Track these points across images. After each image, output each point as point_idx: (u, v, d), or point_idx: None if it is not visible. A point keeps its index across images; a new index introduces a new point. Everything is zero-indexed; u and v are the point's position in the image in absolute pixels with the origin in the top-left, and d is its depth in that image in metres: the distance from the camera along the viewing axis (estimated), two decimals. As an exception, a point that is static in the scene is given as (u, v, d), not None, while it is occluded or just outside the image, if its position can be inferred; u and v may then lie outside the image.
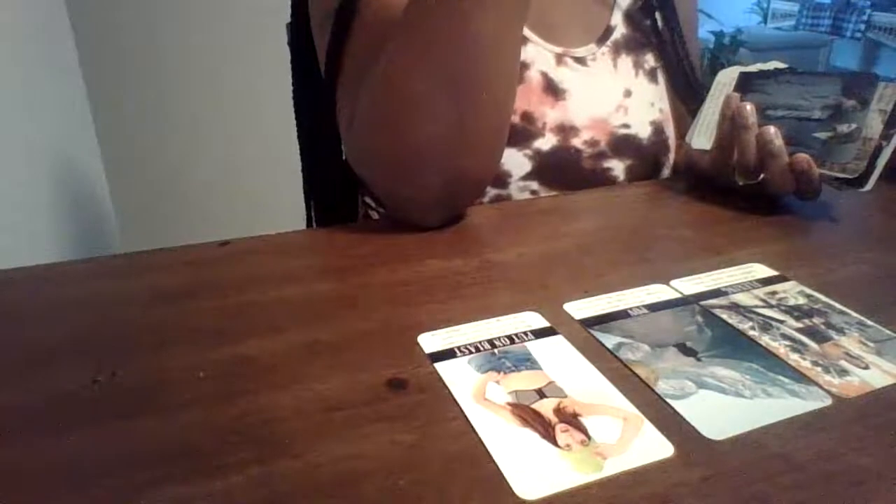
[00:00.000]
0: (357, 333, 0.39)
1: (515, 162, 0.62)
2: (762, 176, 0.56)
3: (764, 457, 0.29)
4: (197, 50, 1.48)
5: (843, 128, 0.55)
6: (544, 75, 0.64)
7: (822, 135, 0.55)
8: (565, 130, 0.64)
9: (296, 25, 0.71)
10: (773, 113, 0.58)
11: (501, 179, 0.62)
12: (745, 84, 0.60)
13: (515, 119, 0.62)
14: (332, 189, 0.72)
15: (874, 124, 0.53)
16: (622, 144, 0.67)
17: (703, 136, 0.61)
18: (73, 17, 1.36)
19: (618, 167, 0.67)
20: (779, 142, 0.54)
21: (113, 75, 1.44)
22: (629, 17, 0.70)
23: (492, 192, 0.63)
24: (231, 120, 1.54)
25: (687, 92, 0.71)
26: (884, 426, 0.31)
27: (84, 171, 1.38)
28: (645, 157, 0.68)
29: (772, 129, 0.54)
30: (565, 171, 0.64)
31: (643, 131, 0.68)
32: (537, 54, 0.64)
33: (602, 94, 0.67)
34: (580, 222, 0.56)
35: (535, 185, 0.64)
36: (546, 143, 0.63)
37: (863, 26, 4.10)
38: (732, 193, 0.59)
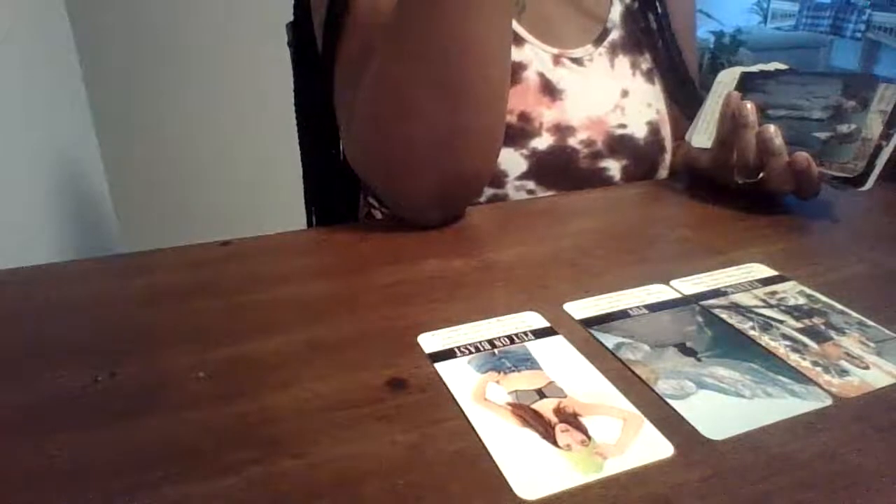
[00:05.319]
0: (357, 333, 0.39)
1: (512, 161, 0.62)
2: (762, 174, 0.56)
3: (764, 457, 0.29)
4: (197, 50, 1.48)
5: (843, 128, 0.55)
6: (541, 76, 0.64)
7: (822, 135, 0.55)
8: (562, 130, 0.64)
9: (297, 24, 0.71)
10: (774, 113, 0.58)
11: (498, 179, 0.63)
12: (746, 84, 0.60)
13: (512, 119, 0.62)
14: (332, 189, 0.72)
15: (874, 125, 0.53)
16: (618, 144, 0.67)
17: (703, 135, 0.61)
18: (72, 17, 1.36)
19: (614, 167, 0.67)
20: (779, 140, 0.54)
21: (113, 75, 1.44)
22: (626, 17, 0.70)
23: (488, 191, 0.63)
24: (231, 120, 1.54)
25: (680, 93, 0.71)
26: (884, 426, 0.31)
27: (84, 171, 1.38)
28: (641, 158, 0.68)
29: (772, 128, 0.54)
30: (562, 170, 0.64)
31: (639, 131, 0.68)
32: (534, 55, 0.64)
33: (599, 94, 0.67)
34: (580, 222, 0.56)
35: (531, 184, 0.64)
36: (542, 142, 0.63)
37: (863, 26, 4.10)
38: (732, 193, 0.59)
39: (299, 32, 0.70)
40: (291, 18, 0.73)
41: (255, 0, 1.40)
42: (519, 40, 0.64)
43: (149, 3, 1.42)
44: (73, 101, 1.36)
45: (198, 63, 1.49)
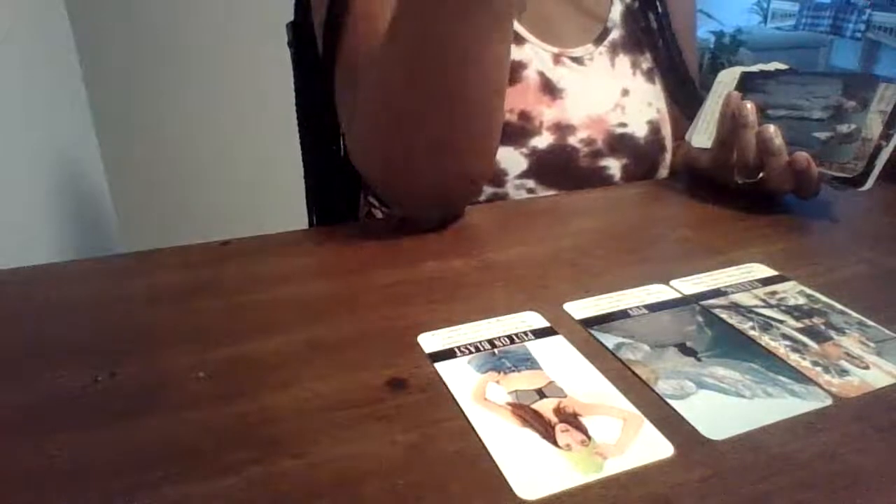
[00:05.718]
0: (357, 333, 0.39)
1: (512, 160, 0.63)
2: (762, 174, 0.56)
3: (764, 457, 0.29)
4: (197, 50, 1.48)
5: (843, 128, 0.55)
6: (541, 75, 0.64)
7: (822, 135, 0.55)
8: (562, 129, 0.64)
9: (297, 24, 0.71)
10: (774, 112, 0.58)
11: (498, 178, 0.63)
12: (747, 84, 0.60)
13: (513, 118, 0.62)
14: (333, 188, 0.72)
15: (874, 125, 0.53)
16: (619, 143, 0.67)
17: (703, 134, 0.61)
18: (72, 17, 1.36)
19: (614, 166, 0.67)
20: (778, 140, 0.54)
21: (113, 75, 1.44)
22: (626, 17, 0.70)
23: (488, 190, 0.63)
24: (231, 120, 1.54)
25: (680, 93, 0.71)
26: (884, 426, 0.31)
27: (84, 171, 1.38)
28: (641, 157, 0.68)
29: (771, 128, 0.54)
30: (562, 169, 0.64)
31: (640, 130, 0.68)
32: (534, 54, 0.64)
33: (599, 93, 0.67)
34: (580, 222, 0.56)
35: (531, 183, 0.64)
36: (543, 141, 0.63)
37: (863, 26, 4.10)
38: (732, 193, 0.59)
39: (299, 32, 0.70)
40: (291, 18, 0.73)
41: (255, 0, 1.40)
42: (519, 39, 0.64)
43: (149, 3, 1.42)
44: (73, 101, 1.36)
45: (198, 63, 1.49)
